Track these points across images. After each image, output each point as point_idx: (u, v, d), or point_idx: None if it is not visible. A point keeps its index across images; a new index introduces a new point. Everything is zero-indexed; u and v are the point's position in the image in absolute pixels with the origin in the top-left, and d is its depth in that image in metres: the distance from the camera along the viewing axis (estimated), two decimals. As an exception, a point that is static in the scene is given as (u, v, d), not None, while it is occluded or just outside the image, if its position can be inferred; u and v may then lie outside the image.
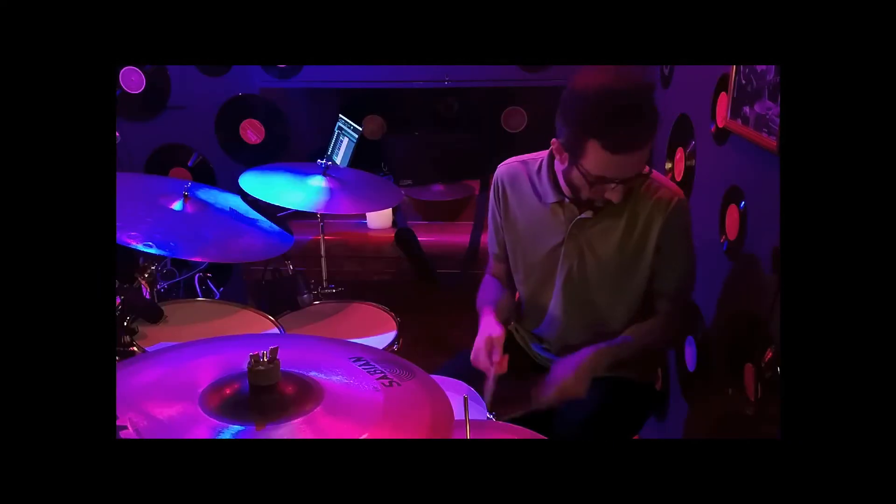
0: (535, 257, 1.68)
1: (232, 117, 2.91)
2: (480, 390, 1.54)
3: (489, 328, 1.61)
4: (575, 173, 1.49)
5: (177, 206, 1.84)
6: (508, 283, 1.80)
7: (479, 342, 1.60)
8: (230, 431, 0.86)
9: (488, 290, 1.78)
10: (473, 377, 1.58)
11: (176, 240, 1.70)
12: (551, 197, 1.61)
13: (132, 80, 2.83)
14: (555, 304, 1.69)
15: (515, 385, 1.65)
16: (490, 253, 1.84)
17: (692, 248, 1.63)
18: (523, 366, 1.76)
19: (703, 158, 1.98)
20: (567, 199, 1.59)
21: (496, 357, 1.56)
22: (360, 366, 1.03)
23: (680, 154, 2.14)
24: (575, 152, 1.46)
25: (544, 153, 1.63)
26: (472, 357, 1.60)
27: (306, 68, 2.73)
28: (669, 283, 1.62)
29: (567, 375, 1.52)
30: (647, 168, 1.50)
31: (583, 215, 1.58)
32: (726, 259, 1.73)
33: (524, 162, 1.70)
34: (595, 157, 1.43)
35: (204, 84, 2.85)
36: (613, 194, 1.49)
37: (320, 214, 2.22)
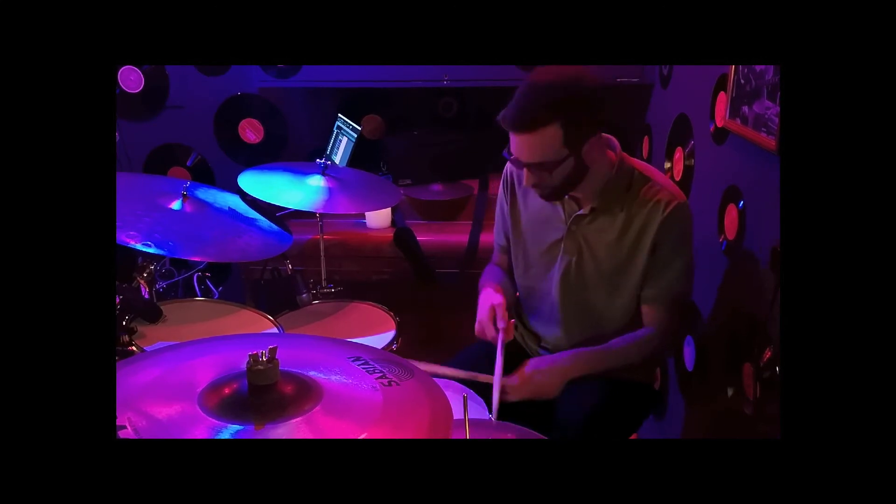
0: (536, 252, 1.69)
1: (231, 117, 2.90)
2: (478, 390, 1.53)
3: (490, 298, 1.61)
4: None
5: (175, 205, 1.84)
6: (511, 274, 1.80)
7: (482, 313, 1.59)
8: (229, 431, 0.86)
9: (491, 273, 1.79)
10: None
11: (175, 239, 1.70)
12: None
13: (131, 79, 2.82)
14: (553, 301, 1.69)
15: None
16: (496, 243, 1.85)
17: (690, 253, 1.59)
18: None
19: (701, 158, 1.98)
20: (567, 196, 1.60)
21: (501, 323, 1.55)
22: (359, 365, 1.03)
23: (679, 154, 2.14)
24: None
25: None
26: (476, 329, 1.60)
27: (305, 68, 2.72)
28: (665, 287, 1.59)
29: (539, 368, 1.52)
30: (548, 163, 1.47)
31: (581, 211, 1.59)
32: (725, 258, 1.73)
33: None
34: None
35: (203, 83, 2.84)
36: (525, 178, 1.54)
37: (319, 214, 2.21)
